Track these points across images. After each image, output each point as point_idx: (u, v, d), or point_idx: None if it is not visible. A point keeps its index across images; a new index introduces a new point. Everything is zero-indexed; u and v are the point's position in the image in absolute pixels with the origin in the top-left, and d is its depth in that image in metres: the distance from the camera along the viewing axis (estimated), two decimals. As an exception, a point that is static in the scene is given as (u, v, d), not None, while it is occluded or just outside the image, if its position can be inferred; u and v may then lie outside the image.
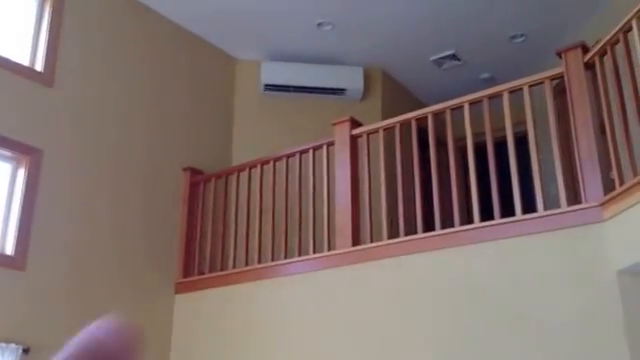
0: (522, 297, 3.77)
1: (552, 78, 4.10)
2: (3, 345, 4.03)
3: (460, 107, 4.44)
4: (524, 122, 4.13)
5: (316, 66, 6.35)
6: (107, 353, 0.26)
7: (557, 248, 3.74)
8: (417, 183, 4.49)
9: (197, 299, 5.17)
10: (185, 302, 5.22)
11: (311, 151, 5.01)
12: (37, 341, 4.18)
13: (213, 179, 5.54)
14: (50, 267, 4.46)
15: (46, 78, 4.73)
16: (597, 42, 3.89)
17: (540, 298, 3.70)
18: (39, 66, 4.73)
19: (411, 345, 4.08)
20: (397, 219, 4.51)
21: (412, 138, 4.59)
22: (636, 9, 3.45)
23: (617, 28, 3.61)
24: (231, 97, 6.31)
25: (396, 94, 6.89)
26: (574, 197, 4.16)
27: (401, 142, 4.64)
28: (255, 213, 5.17)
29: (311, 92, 6.30)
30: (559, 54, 4.04)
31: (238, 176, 5.41)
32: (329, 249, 4.68)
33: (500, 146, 4.29)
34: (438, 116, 4.59)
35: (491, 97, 4.32)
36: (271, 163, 5.22)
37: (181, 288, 5.28)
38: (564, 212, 3.77)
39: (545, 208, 3.88)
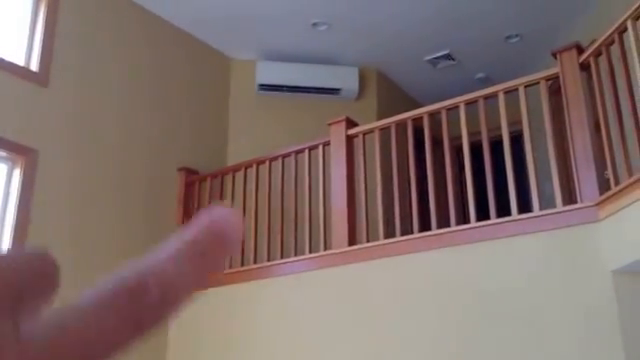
0: (518, 297, 3.78)
1: (547, 78, 4.12)
2: None
3: (456, 107, 4.45)
4: (519, 122, 4.15)
5: (311, 66, 6.36)
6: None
7: (552, 248, 3.76)
8: (413, 183, 4.50)
9: (192, 299, 5.15)
10: (181, 302, 5.21)
11: (307, 151, 5.01)
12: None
13: (208, 179, 5.54)
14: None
15: (41, 78, 4.72)
16: (592, 42, 3.91)
17: (536, 298, 3.72)
18: (34, 66, 4.72)
19: (408, 345, 4.09)
20: (393, 219, 4.52)
21: (408, 138, 4.61)
22: (631, 10, 3.46)
23: (612, 29, 3.63)
24: (226, 97, 6.30)
25: (391, 94, 6.90)
26: (569, 197, 4.18)
27: (397, 142, 4.65)
28: (251, 213, 5.17)
29: (306, 92, 6.31)
30: (554, 55, 4.05)
31: (234, 176, 5.41)
32: (325, 249, 4.68)
33: (496, 145, 4.31)
34: (434, 116, 4.60)
35: (487, 97, 4.34)
36: (267, 163, 5.22)
37: (177, 288, 5.26)
38: (559, 212, 3.78)
39: (541, 208, 3.90)
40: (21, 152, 4.47)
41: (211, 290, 5.07)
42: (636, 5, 3.42)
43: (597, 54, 3.81)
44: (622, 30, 3.59)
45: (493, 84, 4.57)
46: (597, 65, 3.82)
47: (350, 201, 4.69)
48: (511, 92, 4.26)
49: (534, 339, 3.66)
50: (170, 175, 5.51)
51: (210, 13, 5.73)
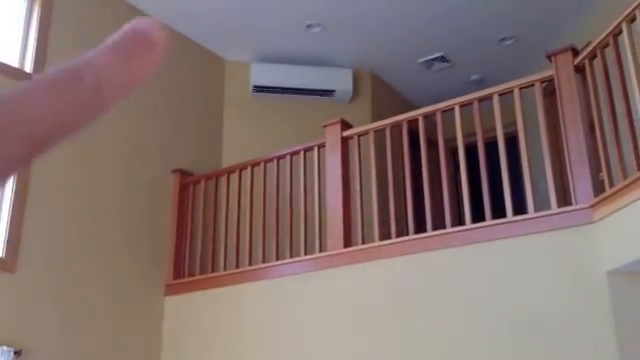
0: (514, 298, 3.80)
1: (542, 81, 4.13)
2: (-6, 348, 4.01)
3: (451, 109, 4.46)
4: (514, 123, 4.17)
5: (305, 68, 6.36)
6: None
7: (548, 249, 3.77)
8: (408, 185, 4.51)
9: (187, 301, 5.16)
10: (175, 304, 5.21)
11: (302, 153, 5.02)
12: (29, 343, 4.17)
13: (203, 181, 5.53)
14: (41, 269, 4.44)
15: (35, 79, 4.70)
16: (587, 45, 3.93)
17: (531, 299, 3.73)
18: (28, 67, 4.71)
19: (403, 346, 4.09)
20: (388, 220, 4.53)
21: (403, 140, 4.62)
22: (626, 13, 3.48)
23: (607, 31, 3.65)
24: (220, 98, 6.30)
25: (385, 96, 6.91)
26: (564, 198, 4.20)
27: (392, 144, 4.66)
28: (246, 215, 5.17)
29: (300, 94, 6.31)
30: (549, 57, 4.07)
31: (228, 178, 5.40)
32: (320, 251, 4.69)
33: (491, 146, 4.33)
34: (429, 118, 4.61)
35: (481, 99, 4.36)
36: (262, 165, 5.22)
37: (171, 290, 5.27)
38: (554, 213, 3.80)
39: (535, 209, 3.92)
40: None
41: (207, 291, 5.08)
42: (631, 8, 3.44)
43: (592, 56, 3.82)
44: (617, 33, 3.60)
45: (488, 86, 4.59)
46: (592, 67, 3.84)
47: (345, 203, 4.70)
48: (506, 94, 4.27)
49: (530, 340, 3.68)
50: (164, 177, 5.50)
51: (205, 15, 5.73)
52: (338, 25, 5.94)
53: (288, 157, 5.09)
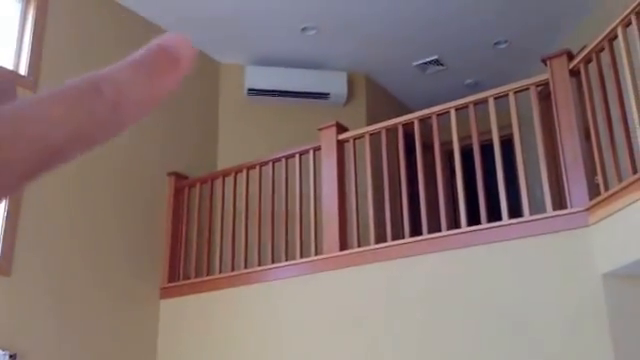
0: (509, 301, 3.81)
1: (537, 85, 4.15)
2: (-11, 352, 4.00)
3: (446, 113, 4.48)
4: (509, 126, 4.19)
5: (300, 71, 6.37)
6: None
7: (543, 252, 3.79)
8: (404, 188, 4.52)
9: (183, 304, 5.15)
10: (171, 307, 5.20)
11: (297, 156, 5.02)
12: (24, 347, 4.16)
13: (198, 184, 5.53)
14: (36, 272, 4.42)
15: (30, 82, 4.69)
16: (582, 49, 3.95)
17: (527, 302, 3.75)
18: (23, 70, 4.69)
19: (399, 349, 4.10)
20: (384, 224, 4.54)
21: (399, 143, 4.63)
22: (621, 17, 3.50)
23: (602, 36, 3.67)
24: (215, 101, 6.30)
25: (380, 99, 6.92)
26: (560, 202, 4.22)
27: (387, 147, 4.67)
28: (241, 218, 5.16)
29: (295, 97, 6.32)
30: (544, 61, 4.09)
31: (223, 181, 5.40)
32: (316, 254, 4.69)
33: (486, 149, 4.34)
34: (424, 121, 4.63)
35: (477, 103, 4.37)
36: (257, 168, 5.22)
37: (166, 293, 5.26)
38: (550, 217, 3.82)
39: (531, 213, 3.94)
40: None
41: (202, 295, 5.08)
42: (626, 12, 3.47)
43: (587, 61, 3.84)
44: (612, 37, 3.62)
45: (482, 90, 4.62)
46: (587, 72, 3.86)
47: (341, 206, 4.70)
48: (501, 98, 4.29)
49: (525, 343, 3.69)
50: (159, 180, 5.49)
51: (199, 17, 5.73)
52: (333, 28, 5.95)
53: (283, 160, 5.09)
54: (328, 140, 4.89)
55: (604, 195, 3.53)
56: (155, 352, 5.10)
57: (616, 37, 3.60)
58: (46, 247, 4.53)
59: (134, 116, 0.29)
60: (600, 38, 3.69)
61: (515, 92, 4.21)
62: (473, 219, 4.16)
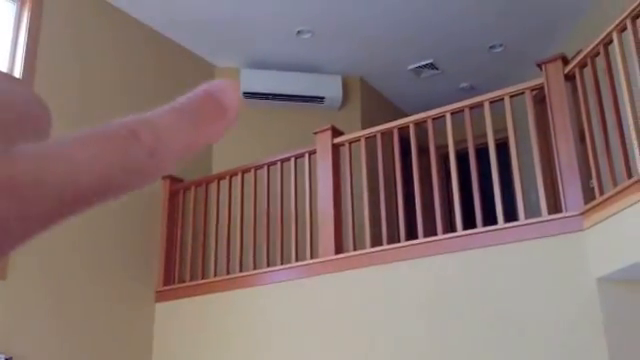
0: (504, 305, 3.81)
1: (532, 89, 4.16)
2: (-17, 356, 3.98)
3: (442, 116, 4.48)
4: (505, 129, 4.20)
5: (295, 74, 6.37)
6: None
7: (538, 256, 3.79)
8: (399, 191, 4.52)
9: (178, 308, 5.14)
10: (166, 311, 5.19)
11: (293, 159, 5.02)
12: (20, 350, 4.15)
13: (193, 187, 5.52)
14: (31, 276, 4.41)
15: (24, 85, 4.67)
16: (577, 54, 3.96)
17: (522, 306, 3.75)
18: (18, 72, 4.68)
19: (395, 353, 4.10)
20: (380, 227, 4.54)
21: (394, 147, 4.63)
22: (617, 22, 3.52)
23: (597, 40, 3.68)
24: (210, 104, 6.28)
25: (375, 102, 6.94)
26: (555, 205, 4.23)
27: (383, 151, 4.67)
28: (236, 221, 5.16)
29: (290, 100, 6.32)
30: (539, 65, 4.10)
31: (218, 184, 5.39)
32: (312, 257, 4.69)
33: (481, 153, 4.35)
34: (419, 125, 4.63)
35: (472, 107, 4.38)
36: (252, 171, 5.22)
37: (162, 297, 5.25)
38: (545, 221, 3.82)
39: (526, 216, 3.95)
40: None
41: (197, 298, 5.07)
42: (621, 17, 3.48)
43: (582, 65, 3.86)
44: (607, 42, 3.64)
45: (477, 93, 4.62)
46: (582, 76, 3.87)
47: (337, 210, 4.70)
48: (496, 102, 4.30)
49: (520, 347, 3.69)
50: (154, 184, 5.47)
51: (195, 21, 5.72)
52: (328, 32, 5.96)
53: (279, 164, 5.09)
54: (323, 144, 4.89)
55: (599, 199, 3.53)
56: (150, 355, 5.08)
57: (611, 42, 3.61)
58: (41, 251, 4.51)
59: (172, 162, 0.28)
60: (595, 43, 3.70)
61: (510, 96, 4.22)
62: (469, 223, 4.17)
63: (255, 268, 4.95)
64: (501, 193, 4.10)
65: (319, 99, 6.36)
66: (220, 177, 5.42)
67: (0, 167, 0.23)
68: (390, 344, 4.13)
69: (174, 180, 5.56)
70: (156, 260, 5.34)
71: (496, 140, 4.23)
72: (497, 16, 5.77)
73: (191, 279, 5.26)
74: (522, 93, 4.19)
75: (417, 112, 4.77)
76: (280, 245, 4.86)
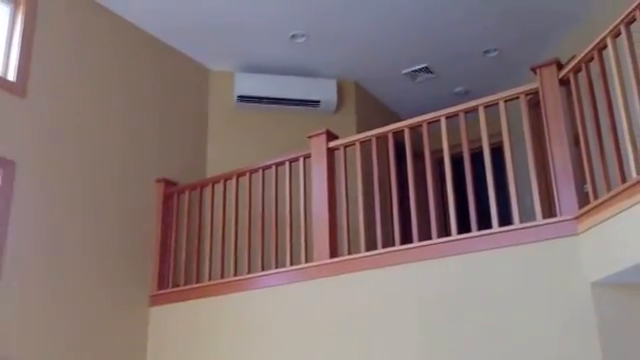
0: (498, 309, 3.81)
1: (527, 93, 4.17)
2: (-22, 359, 3.97)
3: (437, 121, 4.49)
4: (500, 133, 4.20)
5: (290, 78, 6.38)
6: None
7: (532, 261, 3.80)
8: (394, 195, 4.52)
9: (172, 312, 5.12)
10: (160, 315, 5.18)
11: (287, 163, 5.01)
12: (14, 352, 4.13)
13: (187, 191, 5.51)
14: (26, 278, 4.39)
15: (18, 88, 4.66)
16: (572, 58, 3.97)
17: (516, 310, 3.75)
18: (11, 76, 4.66)
19: (389, 358, 4.09)
20: (374, 231, 4.54)
21: (389, 151, 4.63)
22: (611, 27, 3.53)
23: (592, 45, 3.69)
24: (205, 108, 6.29)
25: (370, 106, 6.95)
26: (549, 210, 4.23)
27: (378, 154, 4.67)
28: (231, 225, 5.15)
29: (285, 104, 6.32)
30: (534, 70, 4.11)
31: (213, 188, 5.39)
32: (306, 261, 4.69)
33: (476, 157, 4.36)
34: (414, 129, 4.63)
35: (467, 111, 4.39)
36: (247, 175, 5.21)
37: (156, 300, 5.23)
38: (539, 225, 3.83)
39: (521, 221, 3.95)
40: (-1, 163, 4.41)
41: (191, 302, 5.05)
42: (616, 22, 3.49)
43: (577, 70, 3.87)
44: (602, 47, 3.65)
45: (472, 98, 4.64)
46: (577, 81, 3.88)
47: (331, 214, 4.70)
48: (491, 106, 4.30)
49: (514, 352, 3.69)
50: (148, 186, 5.47)
51: (189, 24, 5.72)
52: (322, 35, 5.96)
53: (273, 167, 5.09)
54: (318, 148, 4.89)
55: (593, 204, 3.54)
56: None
57: (605, 47, 3.62)
58: (35, 252, 4.49)
59: None
60: (590, 48, 3.71)
61: (505, 101, 4.23)
62: (463, 227, 4.17)
63: (249, 272, 4.94)
64: (496, 197, 4.10)
65: (314, 103, 6.36)
66: (215, 181, 5.41)
67: None
68: (385, 348, 4.12)
69: (168, 184, 5.56)
70: (150, 264, 5.32)
71: (491, 144, 4.24)
72: (492, 21, 5.78)
73: (185, 283, 5.25)
74: (517, 98, 4.20)
75: (412, 116, 4.78)
76: (275, 249, 4.85)
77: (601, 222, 3.49)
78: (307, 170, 4.91)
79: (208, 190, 5.44)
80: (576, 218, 3.69)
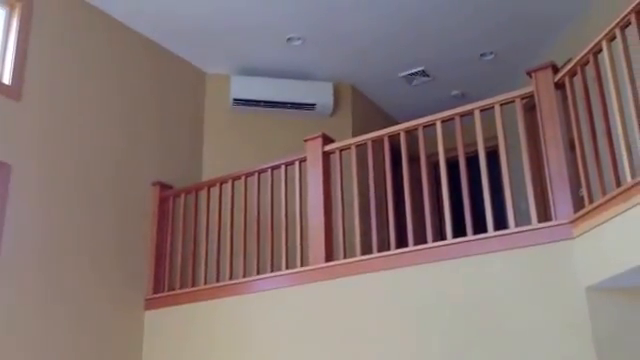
0: (493, 314, 3.81)
1: (523, 97, 4.17)
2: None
3: (432, 124, 4.48)
4: (495, 137, 4.20)
5: (286, 81, 6.37)
6: None
7: (528, 264, 3.79)
8: (390, 199, 4.51)
9: (167, 315, 5.11)
10: (155, 318, 5.16)
11: (283, 167, 5.01)
12: (7, 353, 4.12)
13: (183, 194, 5.50)
14: (21, 282, 4.37)
15: (14, 91, 4.65)
16: (567, 62, 3.97)
17: (510, 314, 3.75)
18: (7, 79, 4.66)
19: (384, 361, 4.09)
20: (370, 235, 4.53)
21: (385, 154, 4.63)
22: (606, 30, 3.53)
23: (587, 49, 3.68)
24: (201, 111, 6.28)
25: (366, 109, 6.95)
26: (544, 214, 4.23)
27: (373, 158, 4.67)
28: (226, 229, 5.14)
29: (281, 107, 6.32)
30: (529, 74, 4.11)
31: (209, 191, 5.38)
32: (302, 265, 4.68)
33: (472, 161, 4.35)
34: (410, 133, 4.63)
35: (463, 115, 4.38)
36: (242, 178, 5.20)
37: (151, 304, 5.22)
38: (534, 229, 3.82)
39: (516, 224, 3.95)
40: (-7, 166, 4.40)
41: (187, 306, 5.04)
42: (611, 26, 3.49)
43: (572, 74, 3.86)
44: (597, 51, 3.65)
45: (468, 101, 4.64)
46: (572, 84, 3.88)
47: (327, 217, 4.69)
48: (487, 110, 4.30)
49: (509, 356, 3.69)
50: (144, 190, 5.46)
51: (185, 27, 5.71)
52: (318, 38, 5.96)
53: (269, 171, 5.08)
54: (314, 151, 4.88)
55: (588, 208, 3.54)
56: (139, 364, 5.06)
57: (601, 51, 3.62)
58: (29, 257, 4.48)
59: None
60: (585, 51, 3.71)
61: (501, 104, 4.22)
62: (459, 231, 4.17)
63: (245, 276, 4.93)
64: (491, 201, 4.10)
65: (310, 106, 6.36)
66: (210, 184, 5.41)
67: None
68: (379, 352, 4.12)
69: (164, 187, 5.55)
70: (146, 267, 5.31)
71: (486, 148, 4.24)
72: (488, 25, 5.78)
73: (181, 287, 5.24)
74: (512, 101, 4.20)
75: (409, 119, 4.78)
76: (270, 253, 4.85)
77: (596, 226, 3.48)
78: (303, 174, 4.91)
79: (204, 193, 5.43)
80: (571, 222, 3.68)
